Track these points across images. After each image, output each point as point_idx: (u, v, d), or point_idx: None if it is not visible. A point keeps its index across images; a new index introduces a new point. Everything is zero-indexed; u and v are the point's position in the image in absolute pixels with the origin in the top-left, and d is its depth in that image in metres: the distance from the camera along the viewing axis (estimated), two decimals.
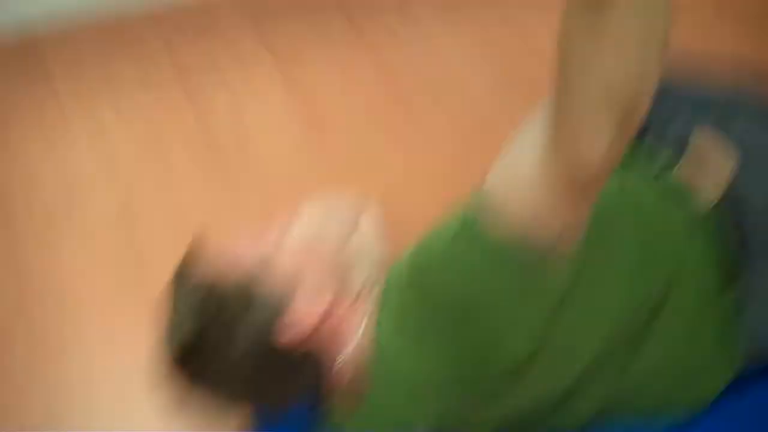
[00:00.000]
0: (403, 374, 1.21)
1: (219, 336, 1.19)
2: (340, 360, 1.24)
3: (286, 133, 1.93)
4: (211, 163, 1.86)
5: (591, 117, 0.94)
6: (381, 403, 1.25)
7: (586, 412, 1.37)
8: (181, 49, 2.10)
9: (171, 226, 1.76)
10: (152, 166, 1.86)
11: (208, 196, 1.80)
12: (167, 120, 1.95)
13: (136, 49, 2.10)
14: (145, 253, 1.71)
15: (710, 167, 1.35)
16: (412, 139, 1.92)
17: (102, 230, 1.75)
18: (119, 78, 2.04)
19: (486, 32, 2.14)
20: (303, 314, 1.21)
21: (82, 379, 1.54)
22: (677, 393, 1.40)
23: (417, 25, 2.15)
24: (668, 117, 1.47)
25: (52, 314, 1.62)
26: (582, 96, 0.93)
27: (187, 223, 1.74)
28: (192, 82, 2.03)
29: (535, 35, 2.11)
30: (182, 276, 1.24)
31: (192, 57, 2.08)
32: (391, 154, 1.89)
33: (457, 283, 1.14)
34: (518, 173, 1.07)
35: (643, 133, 1.46)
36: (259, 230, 1.30)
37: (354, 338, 1.25)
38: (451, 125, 1.94)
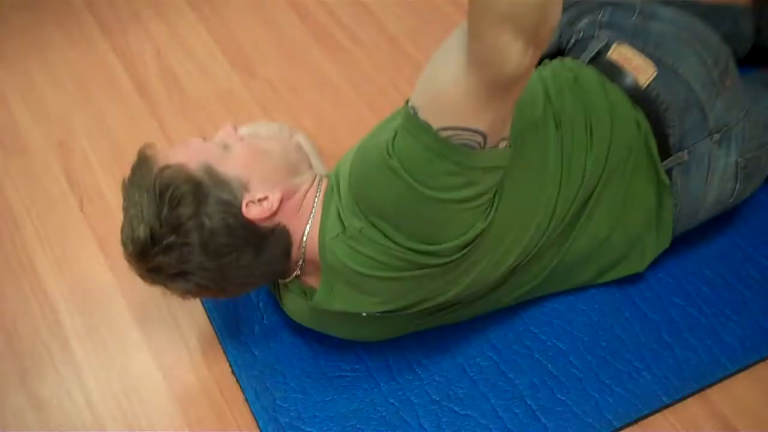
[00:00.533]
0: (342, 267, 1.29)
1: (179, 225, 1.25)
2: (305, 235, 1.33)
3: (212, 76, 1.99)
4: (142, 110, 1.92)
5: (499, 32, 1.03)
6: (329, 288, 1.33)
7: (524, 289, 1.48)
8: (102, 7, 2.15)
9: (108, 165, 1.82)
10: (84, 115, 1.91)
11: (141, 139, 1.85)
12: (96, 73, 2.00)
13: (60, 11, 2.14)
14: (88, 189, 1.77)
15: (634, 63, 1.47)
16: (335, 73, 2.00)
17: (43, 172, 1.81)
18: (46, 39, 2.08)
19: None
20: (263, 195, 1.29)
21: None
22: (609, 268, 1.54)
23: None
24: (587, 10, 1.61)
25: (5, 248, 1.68)
26: (489, 13, 1.02)
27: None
28: (116, 37, 2.08)
29: None
30: (135, 174, 1.30)
31: (113, 14, 2.13)
32: (315, 89, 1.96)
33: (393, 186, 1.19)
34: (443, 80, 1.13)
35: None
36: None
37: (310, 220, 1.33)
38: (371, 58, 2.02)
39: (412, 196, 1.18)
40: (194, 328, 1.55)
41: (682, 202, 1.49)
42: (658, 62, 1.46)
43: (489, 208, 1.25)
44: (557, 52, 1.61)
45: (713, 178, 1.48)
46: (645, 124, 1.44)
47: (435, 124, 1.14)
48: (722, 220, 1.64)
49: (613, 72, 1.47)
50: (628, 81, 1.45)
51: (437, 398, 1.44)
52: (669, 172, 1.46)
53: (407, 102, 1.18)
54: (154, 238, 1.25)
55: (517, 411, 1.42)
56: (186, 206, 1.25)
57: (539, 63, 1.53)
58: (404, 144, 1.17)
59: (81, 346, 1.54)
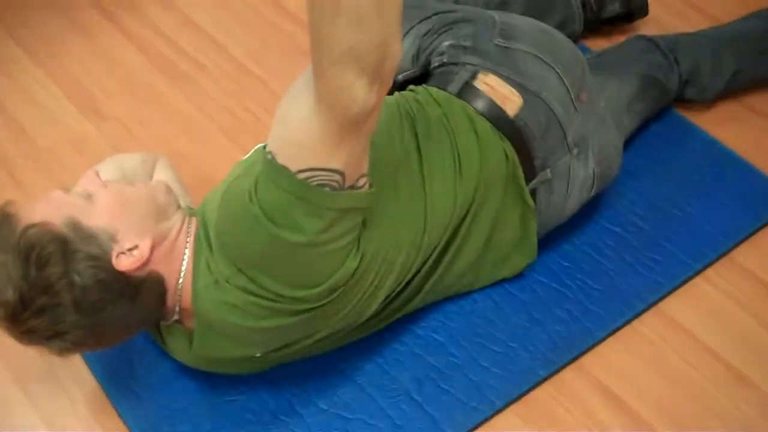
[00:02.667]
0: (215, 317, 1.30)
1: (49, 286, 1.22)
2: (179, 282, 1.32)
3: (61, 122, 1.96)
4: None
5: (341, 71, 1.05)
6: (204, 337, 1.34)
7: (399, 314, 1.52)
8: None
9: None
10: None
11: None
12: None
13: None
14: None
15: (500, 93, 1.50)
16: (183, 103, 1.99)
17: None
18: None
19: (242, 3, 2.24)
20: (133, 244, 1.27)
21: None
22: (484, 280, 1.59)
23: (173, 10, 2.22)
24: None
25: None
26: (330, 52, 1.04)
27: None
28: None
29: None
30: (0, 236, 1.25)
31: None
32: (167, 122, 1.96)
33: (257, 234, 1.20)
34: (294, 123, 1.15)
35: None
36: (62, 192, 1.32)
37: (183, 265, 1.32)
38: (218, 84, 2.03)
39: (276, 242, 1.19)
40: (76, 378, 1.53)
41: (547, 216, 1.56)
42: (522, 88, 1.49)
43: (354, 249, 1.26)
44: (423, 74, 1.63)
45: (573, 188, 1.55)
46: (512, 154, 1.47)
47: (292, 167, 1.15)
48: None
49: (479, 102, 1.49)
50: (496, 111, 1.48)
51: (325, 407, 1.46)
52: (533, 191, 1.51)
53: (265, 147, 1.20)
54: (24, 302, 1.22)
55: (404, 407, 1.46)
56: (54, 266, 1.22)
57: (403, 88, 1.56)
58: (264, 189, 1.18)
59: None
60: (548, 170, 1.51)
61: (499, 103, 1.49)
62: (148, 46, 2.12)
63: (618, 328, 1.57)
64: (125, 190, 1.34)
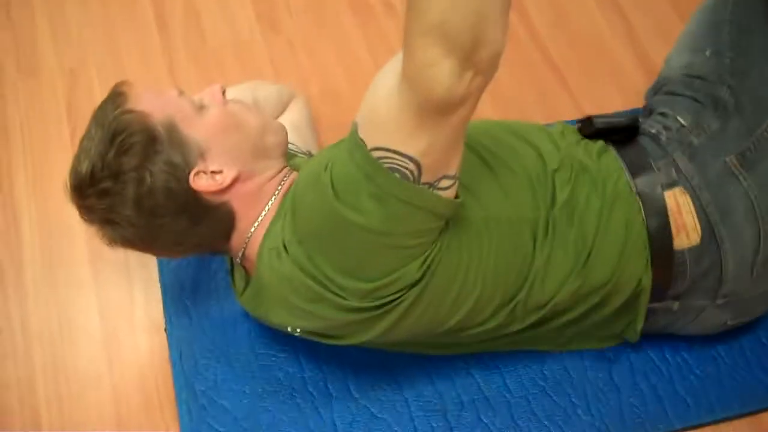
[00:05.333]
0: (268, 280, 1.25)
1: (119, 173, 1.20)
2: (252, 228, 1.27)
3: (235, 25, 1.94)
4: (156, 47, 1.89)
5: (428, 44, 0.95)
6: (256, 293, 1.29)
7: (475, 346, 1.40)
8: None
9: None
10: (101, 45, 1.90)
11: (149, 76, 1.84)
12: (120, 4, 1.98)
13: None
14: (83, 120, 1.75)
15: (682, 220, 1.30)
16: (359, 42, 1.92)
17: (48, 95, 1.82)
18: None
19: None
20: (218, 168, 1.23)
21: None
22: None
23: None
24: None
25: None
26: (419, 21, 0.95)
27: None
28: None
29: None
30: (101, 107, 1.26)
31: None
32: (334, 54, 1.90)
33: (320, 203, 1.14)
34: (379, 97, 1.07)
35: None
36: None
37: (262, 214, 1.27)
38: (401, 33, 1.94)
39: (335, 218, 1.12)
40: (146, 279, 1.55)
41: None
42: (709, 229, 1.28)
43: (422, 258, 1.15)
44: (634, 127, 1.38)
45: (696, 327, 1.39)
46: (647, 281, 1.29)
47: (369, 142, 1.08)
48: None
49: (653, 219, 1.28)
50: (662, 236, 1.28)
51: (357, 395, 1.39)
52: (652, 310, 1.34)
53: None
54: (92, 178, 1.22)
55: (433, 425, 1.37)
56: (132, 156, 1.21)
57: (603, 135, 1.36)
58: (340, 160, 1.12)
59: (32, 269, 1.56)
60: (677, 303, 1.33)
61: (673, 229, 1.28)
62: None
63: (701, 425, 1.39)
64: (239, 114, 1.29)
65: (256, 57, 1.89)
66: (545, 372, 1.42)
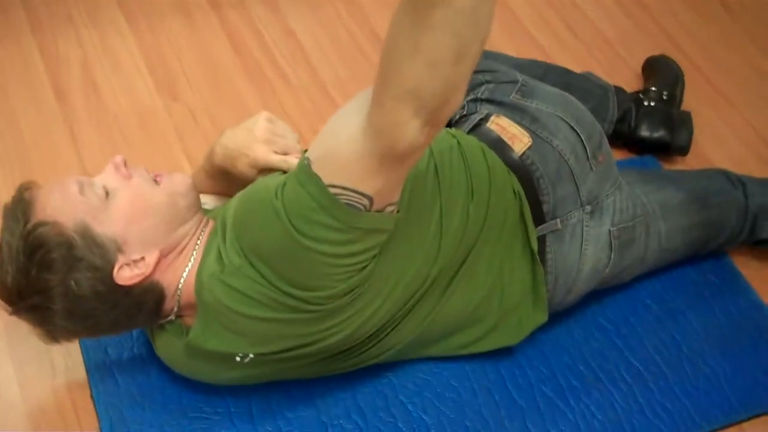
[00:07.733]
0: (217, 305, 1.28)
1: (45, 290, 1.23)
2: (179, 286, 1.31)
3: (134, 93, 1.97)
4: (56, 115, 1.89)
5: (401, 107, 1.06)
6: (204, 326, 1.31)
7: (396, 348, 1.47)
8: (37, 5, 2.12)
9: (9, 165, 1.79)
10: None
11: (49, 144, 1.83)
12: (17, 69, 1.97)
13: None
14: None
15: (510, 132, 1.54)
16: (258, 109, 1.94)
17: None
18: None
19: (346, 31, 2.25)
20: (139, 256, 1.26)
21: None
22: (483, 335, 1.55)
23: (278, 15, 2.23)
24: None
25: None
26: (395, 85, 1.05)
27: (27, 168, 1.78)
28: (45, 36, 2.05)
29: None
30: (11, 214, 1.26)
31: (47, 12, 2.10)
32: (235, 122, 1.90)
33: (273, 227, 1.20)
34: (340, 139, 1.16)
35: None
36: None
37: (189, 265, 1.32)
38: (297, 102, 2.03)
39: (288, 241, 1.19)
40: (62, 346, 1.52)
41: (558, 270, 1.52)
42: (533, 133, 1.54)
43: (367, 266, 1.26)
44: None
45: (588, 247, 1.53)
46: (520, 191, 1.49)
47: (325, 179, 1.16)
48: (606, 318, 1.68)
49: (490, 140, 1.53)
50: (505, 148, 1.51)
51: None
52: (543, 239, 1.50)
53: (305, 151, 1.19)
54: (19, 294, 1.24)
55: None
56: (54, 273, 1.23)
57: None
58: (292, 190, 1.19)
59: None
60: (558, 221, 1.50)
61: (507, 140, 1.52)
62: (242, 45, 2.13)
63: None
64: (146, 193, 1.30)
65: (158, 124, 1.92)
66: (467, 422, 1.51)
